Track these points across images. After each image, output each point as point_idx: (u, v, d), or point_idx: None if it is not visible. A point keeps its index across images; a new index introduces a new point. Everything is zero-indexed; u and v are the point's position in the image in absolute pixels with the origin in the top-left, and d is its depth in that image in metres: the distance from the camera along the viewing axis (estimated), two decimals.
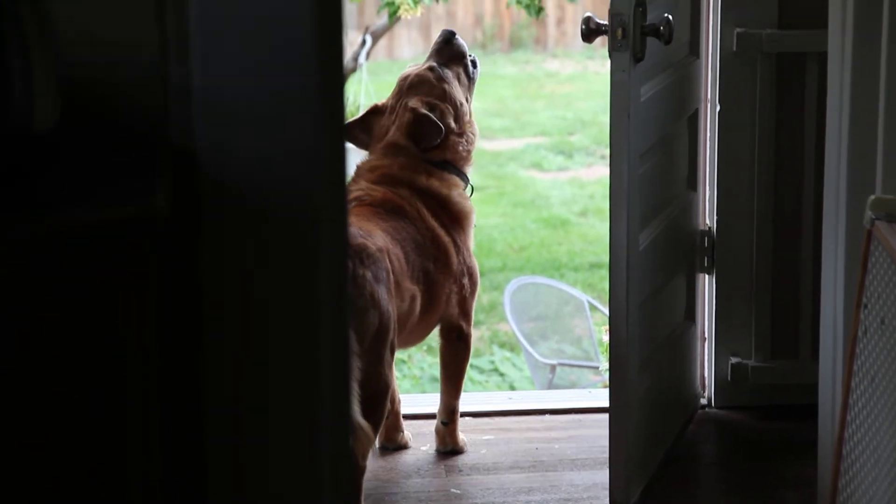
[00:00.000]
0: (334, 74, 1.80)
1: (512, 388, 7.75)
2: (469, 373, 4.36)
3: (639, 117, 3.59)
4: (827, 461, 3.52)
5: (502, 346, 8.45)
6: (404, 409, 4.19)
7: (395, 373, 3.87)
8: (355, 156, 4.17)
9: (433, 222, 3.92)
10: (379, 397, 3.63)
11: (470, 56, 4.09)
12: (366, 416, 3.54)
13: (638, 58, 3.54)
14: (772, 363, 4.34)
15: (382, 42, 11.81)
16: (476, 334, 5.53)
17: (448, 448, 4.10)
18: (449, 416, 4.09)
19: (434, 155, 3.98)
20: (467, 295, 4.00)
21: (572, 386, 7.19)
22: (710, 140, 4.27)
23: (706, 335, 4.39)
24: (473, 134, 4.06)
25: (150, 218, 1.82)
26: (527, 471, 3.99)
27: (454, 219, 3.98)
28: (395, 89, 4.04)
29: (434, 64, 4.04)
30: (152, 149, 1.92)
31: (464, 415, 4.20)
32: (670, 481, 3.93)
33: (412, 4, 7.28)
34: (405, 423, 4.17)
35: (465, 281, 3.98)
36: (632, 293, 3.65)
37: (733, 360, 4.34)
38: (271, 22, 1.79)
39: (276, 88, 1.81)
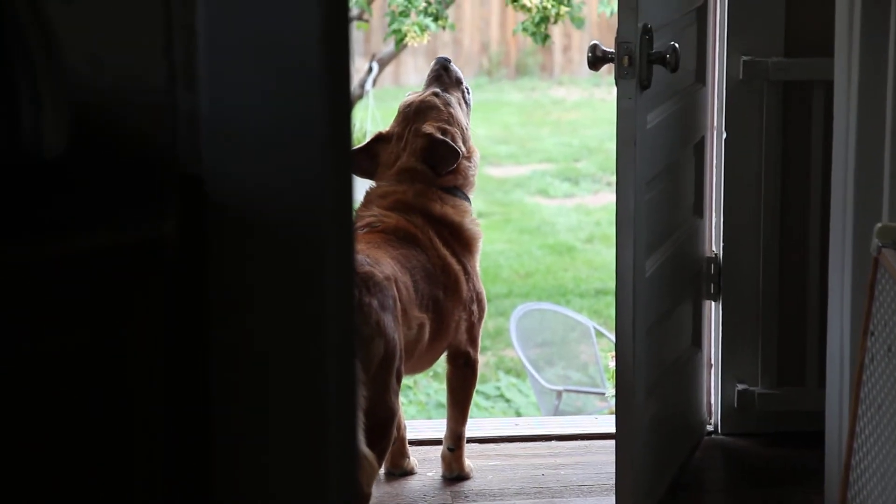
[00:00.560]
0: (341, 101, 1.81)
1: (518, 414, 7.74)
2: (475, 399, 4.35)
3: (645, 144, 3.60)
4: (834, 488, 3.51)
5: (508, 372, 8.44)
6: (410, 435, 4.18)
7: (402, 398, 3.87)
8: (360, 185, 4.17)
9: (444, 251, 3.92)
10: (384, 425, 3.62)
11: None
12: (371, 444, 3.53)
13: (644, 85, 3.55)
14: (778, 390, 4.33)
15: (389, 69, 11.82)
16: (482, 360, 5.53)
17: (454, 474, 4.09)
18: (455, 442, 4.08)
19: (446, 180, 3.98)
20: (475, 321, 4.00)
21: (578, 412, 7.17)
22: (717, 167, 4.27)
23: (712, 362, 4.38)
24: (477, 158, 4.09)
25: (158, 243, 1.82)
26: (533, 497, 3.98)
27: (465, 245, 3.99)
28: (398, 117, 4.04)
29: (438, 90, 4.05)
30: (160, 175, 1.92)
31: (470, 441, 4.19)
32: None
33: (419, 32, 7.30)
34: (411, 449, 4.16)
35: (474, 307, 3.98)
36: (638, 319, 3.64)
37: (740, 386, 4.33)
38: (279, 49, 1.80)
39: (283, 115, 1.82)
